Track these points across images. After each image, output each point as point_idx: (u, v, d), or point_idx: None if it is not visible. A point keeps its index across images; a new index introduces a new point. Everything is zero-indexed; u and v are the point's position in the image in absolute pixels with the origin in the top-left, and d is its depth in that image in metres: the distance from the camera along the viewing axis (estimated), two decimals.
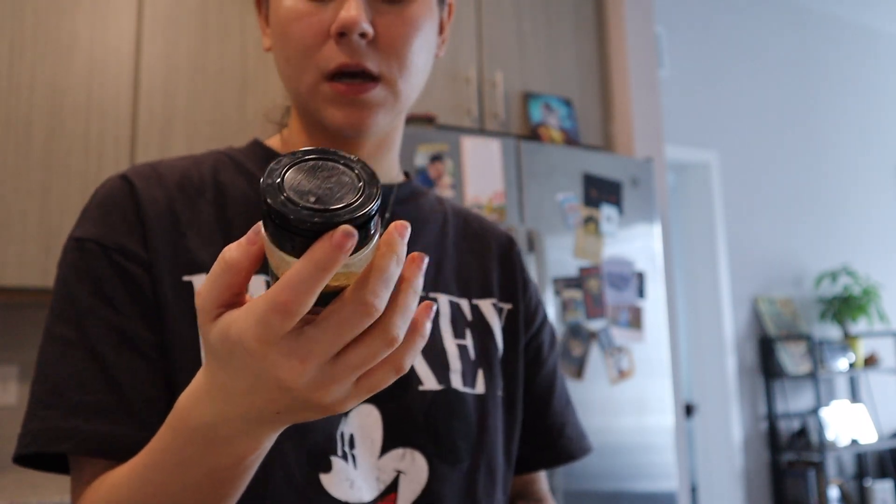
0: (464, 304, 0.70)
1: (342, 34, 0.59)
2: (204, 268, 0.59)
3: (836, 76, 4.63)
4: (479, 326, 0.70)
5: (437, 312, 0.67)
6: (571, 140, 2.49)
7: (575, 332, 2.12)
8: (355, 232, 0.32)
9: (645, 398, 2.21)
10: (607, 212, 2.26)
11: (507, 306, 0.74)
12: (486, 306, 0.71)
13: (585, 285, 2.17)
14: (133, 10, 2.14)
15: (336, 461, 0.59)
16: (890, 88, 4.93)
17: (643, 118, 2.64)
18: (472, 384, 0.66)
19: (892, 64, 4.98)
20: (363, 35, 0.59)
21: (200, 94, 2.19)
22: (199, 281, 0.59)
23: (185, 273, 0.59)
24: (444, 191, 2.01)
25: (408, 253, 0.63)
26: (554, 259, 2.13)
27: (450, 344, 0.66)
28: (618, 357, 2.18)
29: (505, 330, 0.72)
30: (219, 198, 0.64)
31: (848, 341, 4.14)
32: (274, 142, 0.72)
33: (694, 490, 3.78)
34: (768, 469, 3.88)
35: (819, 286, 4.21)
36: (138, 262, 0.58)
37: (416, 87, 0.65)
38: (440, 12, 0.68)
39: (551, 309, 2.09)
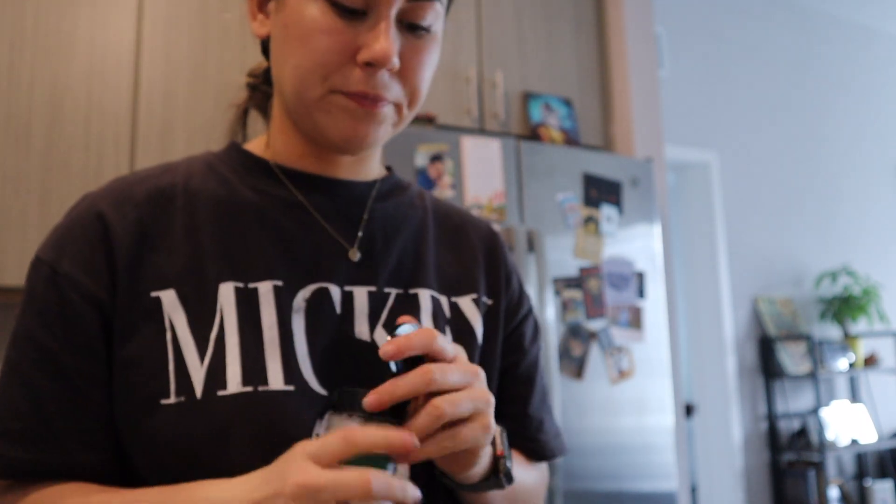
0: (444, 300, 0.70)
1: (371, 64, 0.59)
2: (170, 283, 0.60)
3: (835, 76, 4.63)
4: (458, 323, 0.69)
5: (419, 309, 0.67)
6: (571, 140, 2.50)
7: (575, 332, 2.12)
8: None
9: (645, 398, 2.21)
10: (607, 212, 2.26)
11: (488, 302, 0.73)
12: (466, 303, 0.71)
13: (585, 285, 2.17)
14: (133, 10, 2.14)
15: None
16: (890, 88, 4.93)
17: (643, 118, 2.64)
18: None
19: (893, 64, 4.98)
20: (389, 69, 0.60)
21: (200, 94, 2.19)
22: (166, 296, 0.60)
23: (152, 289, 0.60)
24: (445, 191, 2.01)
25: (387, 246, 0.69)
26: (554, 259, 2.13)
27: None
28: (618, 357, 2.18)
29: (485, 325, 0.72)
30: (188, 205, 0.64)
31: (848, 341, 4.14)
32: (254, 145, 0.71)
33: (694, 490, 3.78)
34: (768, 469, 3.88)
35: (819, 286, 4.21)
36: (84, 296, 0.59)
37: (417, 111, 0.66)
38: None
39: (551, 309, 2.09)
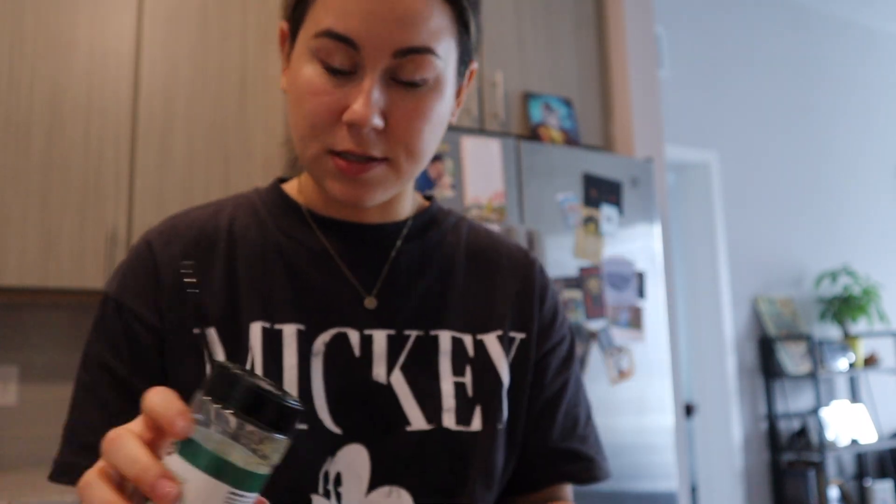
0: (467, 339, 0.70)
1: (352, 125, 0.59)
2: (211, 320, 0.64)
3: (835, 76, 4.63)
4: (481, 362, 0.69)
5: (437, 350, 0.68)
6: (571, 140, 2.49)
7: (575, 332, 2.12)
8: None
9: (645, 398, 2.21)
10: (607, 212, 2.26)
11: (519, 335, 0.72)
12: (491, 340, 0.71)
13: (585, 285, 2.17)
14: (133, 9, 2.14)
15: (317, 499, 0.61)
16: (890, 88, 4.93)
17: (643, 118, 2.64)
18: (468, 422, 0.66)
19: (893, 64, 4.98)
20: (373, 128, 0.59)
21: (200, 94, 2.19)
22: (208, 334, 0.64)
23: (194, 326, 0.64)
24: (444, 191, 2.01)
25: (410, 288, 0.70)
26: (554, 259, 2.13)
27: (446, 383, 0.67)
28: (618, 357, 2.18)
29: (515, 361, 0.71)
30: (229, 248, 0.68)
31: (848, 341, 4.14)
32: (291, 187, 0.73)
33: (694, 490, 3.78)
34: (768, 469, 3.88)
35: (819, 286, 4.21)
36: (145, 326, 0.64)
37: (424, 164, 0.65)
38: (460, 83, 0.67)
39: None
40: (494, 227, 2.04)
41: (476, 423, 0.67)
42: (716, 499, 3.76)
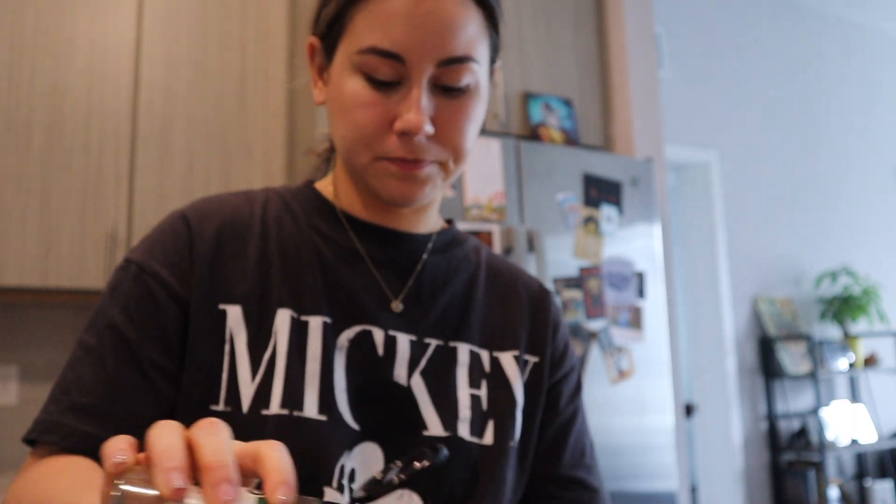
0: (484, 355, 0.71)
1: (405, 133, 0.61)
2: (237, 299, 0.64)
3: (835, 76, 4.63)
4: (496, 378, 0.71)
5: (455, 361, 0.69)
6: (571, 140, 2.49)
7: (575, 332, 2.12)
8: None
9: (645, 398, 2.21)
10: (607, 212, 2.26)
11: (533, 359, 0.75)
12: (507, 359, 0.72)
13: (585, 285, 2.17)
14: (133, 9, 2.14)
15: (329, 491, 0.61)
16: (890, 88, 4.93)
17: (643, 118, 2.64)
18: (480, 434, 0.67)
19: (893, 63, 4.98)
20: (424, 135, 0.62)
21: (200, 94, 2.19)
22: (232, 311, 0.64)
23: (221, 301, 0.64)
24: (445, 191, 2.01)
25: (434, 298, 0.71)
26: (554, 259, 2.13)
27: (463, 393, 0.68)
28: (618, 357, 2.18)
29: (529, 383, 0.73)
30: (264, 233, 0.68)
31: (848, 341, 4.14)
32: (324, 187, 0.75)
33: (694, 490, 3.78)
34: (768, 469, 3.88)
35: (819, 286, 4.21)
36: (168, 292, 0.63)
37: (465, 163, 0.68)
38: (489, 82, 0.69)
39: None
40: (494, 228, 2.04)
41: (488, 437, 0.68)
42: (716, 499, 3.76)
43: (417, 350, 0.68)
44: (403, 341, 0.68)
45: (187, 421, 0.58)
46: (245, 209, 0.70)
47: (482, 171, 2.07)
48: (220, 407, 0.61)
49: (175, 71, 2.16)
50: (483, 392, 0.69)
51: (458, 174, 0.68)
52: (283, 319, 0.64)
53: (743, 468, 3.76)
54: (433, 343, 0.69)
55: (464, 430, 0.66)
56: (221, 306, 0.64)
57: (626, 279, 2.25)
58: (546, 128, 2.45)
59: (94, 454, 0.57)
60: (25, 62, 2.01)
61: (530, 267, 2.06)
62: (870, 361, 4.21)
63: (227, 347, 0.63)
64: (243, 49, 2.25)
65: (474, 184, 2.05)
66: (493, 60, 0.69)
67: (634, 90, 2.64)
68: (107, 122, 2.08)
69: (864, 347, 4.31)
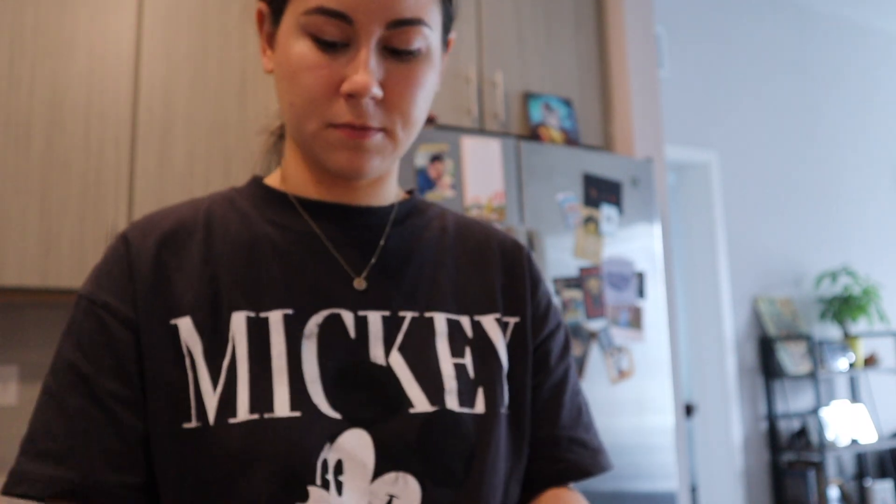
0: (464, 321, 0.69)
1: (352, 95, 0.60)
2: (187, 310, 0.63)
3: (836, 76, 4.63)
4: (481, 343, 0.69)
5: (433, 332, 0.67)
6: (571, 140, 2.50)
7: (575, 332, 2.12)
8: None
9: (645, 398, 2.21)
10: (607, 212, 2.26)
11: (513, 319, 0.72)
12: (489, 322, 0.70)
13: (585, 285, 2.17)
14: (133, 10, 2.14)
15: (314, 490, 0.58)
16: (889, 88, 4.93)
17: (643, 118, 2.64)
18: (471, 404, 0.65)
19: (892, 63, 4.98)
20: (372, 97, 0.60)
21: (200, 94, 2.19)
22: (183, 323, 0.62)
23: (171, 317, 0.63)
24: (445, 191, 2.01)
25: (402, 271, 0.69)
26: (554, 259, 2.13)
27: (446, 364, 0.66)
28: (618, 357, 2.18)
29: (511, 344, 0.71)
30: (207, 238, 0.66)
31: (848, 341, 4.14)
32: (273, 179, 0.73)
33: (694, 490, 3.78)
34: (768, 469, 3.88)
35: (819, 286, 4.21)
36: (120, 319, 0.62)
37: (415, 133, 0.66)
38: (442, 52, 0.68)
39: None
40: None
41: (479, 406, 0.66)
42: (716, 499, 3.76)
43: (392, 326, 0.65)
44: (375, 319, 0.65)
45: (163, 443, 0.60)
46: (189, 218, 0.68)
47: (482, 171, 2.07)
48: (193, 423, 0.60)
49: (175, 71, 2.16)
50: (468, 360, 0.67)
51: (409, 144, 0.66)
52: (238, 322, 0.62)
53: (743, 468, 3.76)
54: (408, 315, 0.66)
55: (452, 402, 0.64)
56: (172, 321, 0.62)
57: (626, 279, 2.25)
58: (546, 128, 2.45)
59: (67, 496, 0.59)
60: (25, 62, 2.01)
61: None
62: (870, 361, 4.21)
63: (187, 362, 0.61)
64: (243, 49, 2.25)
65: (474, 184, 2.05)
66: (447, 30, 0.67)
67: (634, 90, 2.64)
68: (107, 123, 2.08)
69: (864, 347, 4.31)
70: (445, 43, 0.69)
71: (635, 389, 2.19)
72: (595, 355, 2.14)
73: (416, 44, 0.61)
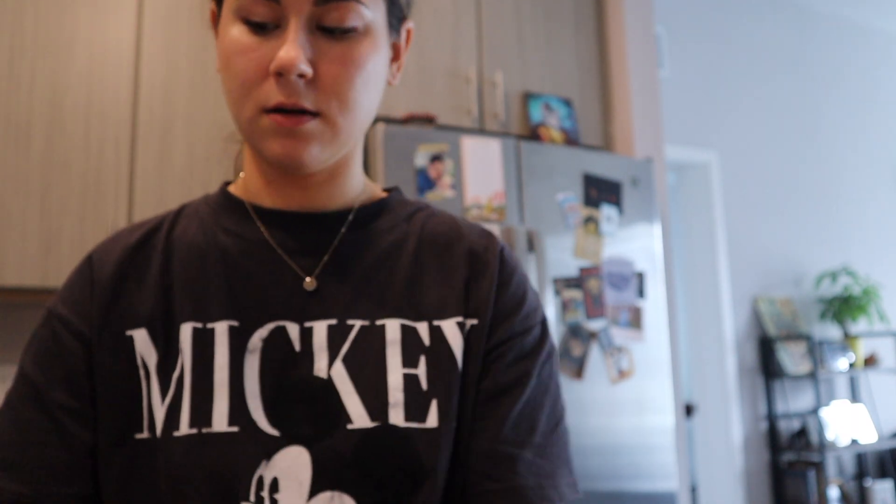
0: (422, 327, 0.64)
1: (280, 73, 0.58)
2: (142, 321, 0.63)
3: (836, 76, 4.63)
4: (438, 351, 0.63)
5: (384, 341, 0.63)
6: (571, 140, 2.50)
7: (575, 332, 2.12)
8: None
9: (645, 398, 2.21)
10: (607, 212, 2.26)
11: (471, 321, 0.65)
12: (450, 327, 0.64)
13: (585, 285, 2.17)
14: (133, 10, 2.14)
15: None
16: (889, 88, 4.93)
17: (643, 118, 2.64)
18: (422, 418, 0.60)
19: (892, 63, 4.98)
20: (301, 76, 0.59)
21: (200, 94, 2.19)
22: (139, 335, 0.63)
23: (127, 328, 0.63)
24: (444, 191, 2.01)
25: (353, 276, 0.67)
26: (554, 259, 2.13)
27: (394, 375, 0.61)
28: (618, 357, 2.18)
29: (465, 348, 0.64)
30: (167, 249, 0.67)
31: (848, 341, 4.14)
32: (236, 186, 0.72)
33: (694, 490, 3.78)
34: (768, 469, 3.88)
35: (819, 286, 4.21)
36: (72, 332, 0.63)
37: (361, 121, 0.64)
38: (394, 39, 0.67)
39: (551, 309, 2.09)
40: (494, 228, 2.03)
41: (432, 419, 0.60)
42: (716, 499, 3.77)
43: (338, 336, 0.62)
44: (321, 329, 0.62)
45: (113, 452, 0.60)
46: (155, 229, 0.68)
47: (482, 171, 2.07)
48: (145, 434, 0.60)
49: (175, 71, 2.16)
50: (421, 370, 0.62)
51: (353, 132, 0.63)
52: (185, 334, 0.62)
53: (743, 468, 3.76)
54: (357, 324, 0.63)
55: (397, 417, 0.59)
56: (128, 332, 0.62)
57: (626, 279, 2.25)
58: (546, 128, 2.45)
59: None
60: (25, 62, 2.01)
61: (530, 267, 2.06)
62: (870, 361, 4.21)
63: (141, 373, 0.61)
64: None
65: (474, 184, 2.05)
66: (397, 15, 0.66)
67: (634, 90, 2.64)
68: (107, 123, 2.08)
69: (864, 347, 4.31)
70: (397, 30, 0.67)
71: (635, 389, 2.19)
72: (595, 355, 2.14)
73: (351, 21, 0.60)
